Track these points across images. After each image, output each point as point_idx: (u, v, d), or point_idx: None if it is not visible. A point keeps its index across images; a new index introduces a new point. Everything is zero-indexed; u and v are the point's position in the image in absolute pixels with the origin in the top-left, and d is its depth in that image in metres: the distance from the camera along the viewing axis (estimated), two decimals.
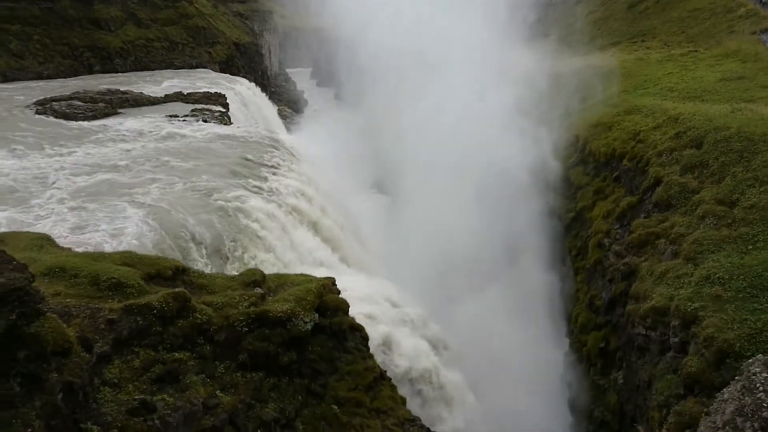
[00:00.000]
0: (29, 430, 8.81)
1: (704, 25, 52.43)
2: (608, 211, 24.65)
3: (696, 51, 43.09)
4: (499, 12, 44.99)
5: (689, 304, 15.02)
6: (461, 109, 39.79)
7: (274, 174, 28.56)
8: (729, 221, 17.70)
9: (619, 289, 19.90)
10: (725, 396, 7.34)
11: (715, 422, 7.11)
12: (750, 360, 7.42)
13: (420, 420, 17.13)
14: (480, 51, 42.74)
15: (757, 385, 6.85)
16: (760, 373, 7.00)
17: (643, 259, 19.29)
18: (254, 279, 15.48)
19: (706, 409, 7.71)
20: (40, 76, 51.12)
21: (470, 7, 48.23)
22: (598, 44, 57.85)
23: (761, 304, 14.09)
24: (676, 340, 15.01)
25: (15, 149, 28.67)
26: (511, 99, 38.75)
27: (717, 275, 15.46)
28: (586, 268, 24.56)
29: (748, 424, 6.65)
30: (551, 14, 59.69)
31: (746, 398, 6.85)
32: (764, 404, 6.60)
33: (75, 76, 53.48)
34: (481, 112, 38.70)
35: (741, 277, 15.06)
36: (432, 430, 17.24)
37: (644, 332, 16.41)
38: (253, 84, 64.30)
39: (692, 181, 20.53)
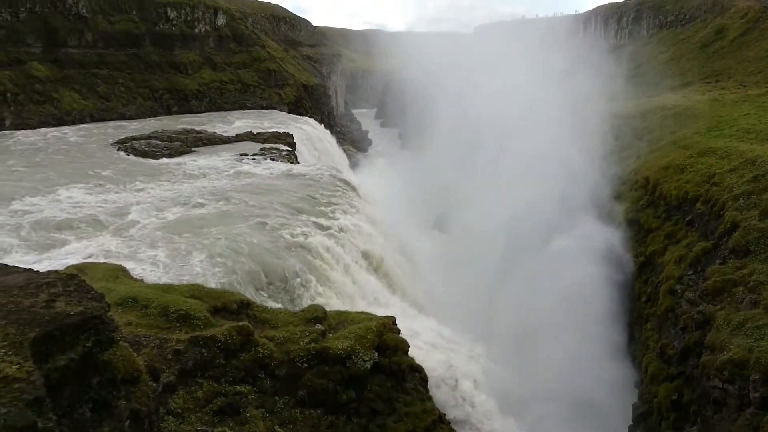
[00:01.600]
0: None
1: None
2: (680, 256, 23.60)
3: None
4: (565, 54, 44.83)
5: None
6: (526, 154, 39.43)
7: (338, 212, 29.04)
8: None
9: (693, 339, 18.88)
10: None
11: None
12: None
13: None
14: (546, 96, 42.53)
15: None
16: None
17: (719, 307, 18.28)
18: (316, 315, 15.65)
19: None
20: (123, 117, 54.48)
21: (534, 50, 48.33)
22: (668, 85, 56.47)
23: None
24: (757, 395, 14.05)
25: (100, 184, 30.46)
26: (577, 142, 38.17)
27: None
28: (657, 315, 23.48)
29: None
30: (619, 57, 58.97)
31: None
32: None
33: (154, 116, 56.73)
34: (546, 156, 38.21)
35: None
36: None
37: (721, 386, 15.44)
38: (319, 123, 66.21)
39: None
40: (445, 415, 18.25)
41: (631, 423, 22.71)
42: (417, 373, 17.17)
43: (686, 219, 25.25)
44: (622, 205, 31.97)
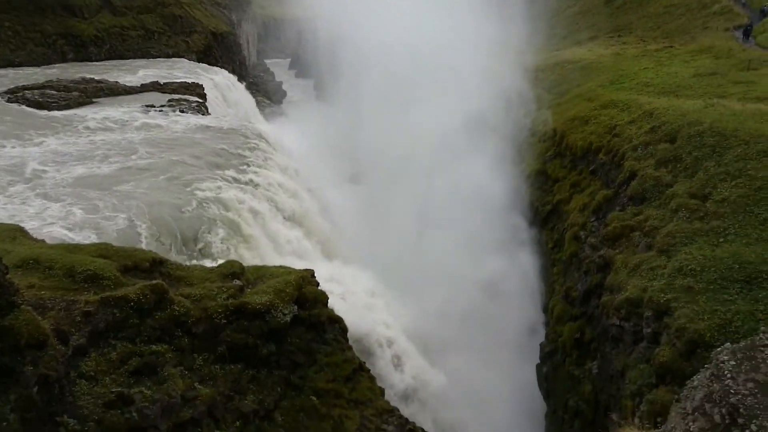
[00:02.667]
0: (4, 423, 8.73)
1: (679, 21, 53.19)
2: (584, 204, 24.99)
3: (671, 47, 43.72)
4: (480, 8, 45.12)
5: (662, 295, 15.35)
6: (438, 104, 39.97)
7: (252, 165, 28.38)
8: (701, 214, 18.08)
9: (594, 281, 20.24)
10: (695, 383, 7.57)
11: (684, 408, 7.33)
12: (718, 349, 7.65)
13: (398, 410, 17.27)
14: (459, 46, 42.88)
15: (725, 372, 7.07)
16: (728, 361, 7.22)
17: (617, 251, 19.63)
18: (233, 271, 15.42)
19: (676, 396, 7.94)
20: (11, 64, 49.97)
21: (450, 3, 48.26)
22: (576, 39, 58.35)
23: (731, 296, 14.46)
24: (649, 330, 15.34)
25: None
26: (488, 94, 38.97)
27: (689, 267, 15.81)
28: (563, 261, 24.91)
29: (716, 410, 6.87)
30: (530, 10, 60.13)
31: (715, 385, 7.06)
32: (731, 390, 6.82)
33: (48, 64, 52.37)
34: (458, 107, 38.90)
35: (712, 269, 15.43)
36: (410, 421, 17.40)
37: (618, 323, 16.74)
38: (230, 74, 63.64)
39: (666, 175, 20.90)
40: (365, 363, 18.74)
41: (539, 361, 24.25)
42: (336, 324, 17.41)
43: (590, 168, 26.62)
44: (531, 156, 33.28)
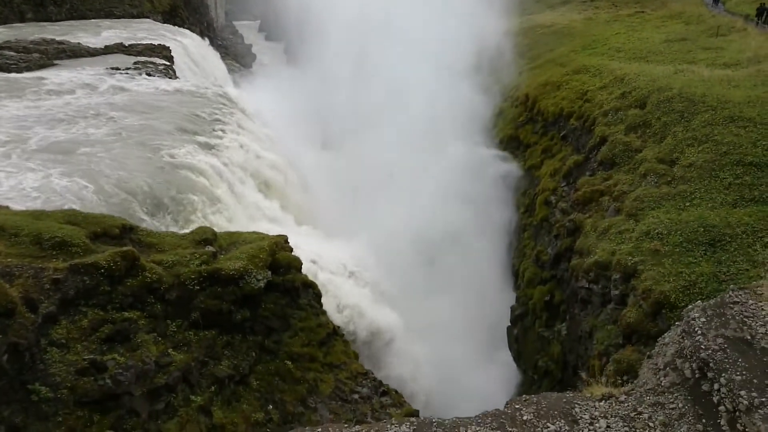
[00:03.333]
0: None
1: None
2: (555, 169, 25.25)
3: (643, 12, 43.87)
4: None
5: (629, 258, 15.71)
6: (409, 68, 39.69)
7: (222, 130, 27.88)
8: (669, 179, 18.44)
9: (565, 245, 20.59)
10: (666, 340, 7.83)
11: (656, 364, 7.60)
12: (690, 306, 7.90)
13: (372, 373, 17.54)
14: (430, 11, 42.42)
15: (696, 329, 7.33)
16: (698, 318, 7.47)
17: (587, 215, 19.96)
18: (205, 237, 15.29)
19: (648, 352, 8.20)
20: None
21: None
22: (549, 3, 58.07)
23: (695, 258, 14.87)
24: (617, 292, 15.73)
25: None
26: (461, 58, 38.75)
27: (656, 231, 16.17)
28: (533, 225, 25.26)
29: (686, 365, 7.15)
30: None
31: (686, 341, 7.32)
32: (702, 346, 7.08)
33: (4, 24, 50.18)
34: (430, 70, 38.65)
35: (678, 232, 15.81)
36: (383, 382, 17.71)
37: (587, 286, 17.12)
38: (198, 36, 61.96)
39: (636, 140, 21.19)
40: (339, 327, 18.91)
41: (509, 324, 24.76)
42: (310, 289, 17.48)
43: (561, 134, 26.83)
44: (503, 121, 33.37)
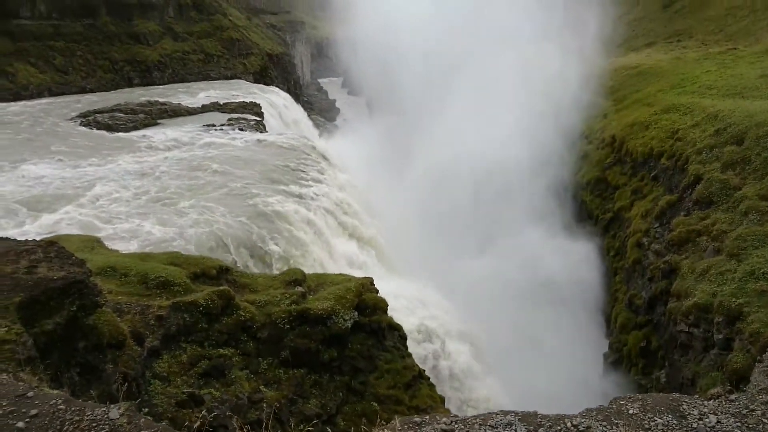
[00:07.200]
0: None
1: (743, 22, 51.30)
2: (647, 210, 24.33)
3: (735, 49, 42.21)
4: (532, 16, 44.88)
5: (733, 300, 14.78)
6: (491, 112, 39.90)
7: (310, 180, 29.01)
8: None
9: (660, 288, 19.63)
10: None
11: None
12: None
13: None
14: (512, 54, 42.74)
15: None
16: None
17: (683, 257, 19.01)
18: (295, 278, 15.80)
19: (759, 357, 7.93)
20: (83, 90, 52.91)
21: (500, 13, 48.23)
22: (632, 45, 57.11)
23: None
24: (720, 336, 14.77)
25: (61, 159, 29.76)
26: (543, 100, 38.60)
27: (761, 270, 15.17)
28: (625, 268, 24.27)
29: None
30: (582, 17, 59.41)
31: None
32: None
33: (116, 89, 55.20)
34: (509, 117, 38.68)
35: None
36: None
37: (687, 330, 16.18)
38: (286, 93, 65.33)
39: (734, 178, 20.16)
40: (424, 371, 18.74)
41: (602, 372, 23.60)
42: (396, 331, 17.52)
43: (652, 174, 25.94)
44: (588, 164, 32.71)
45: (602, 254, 28.49)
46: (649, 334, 20.12)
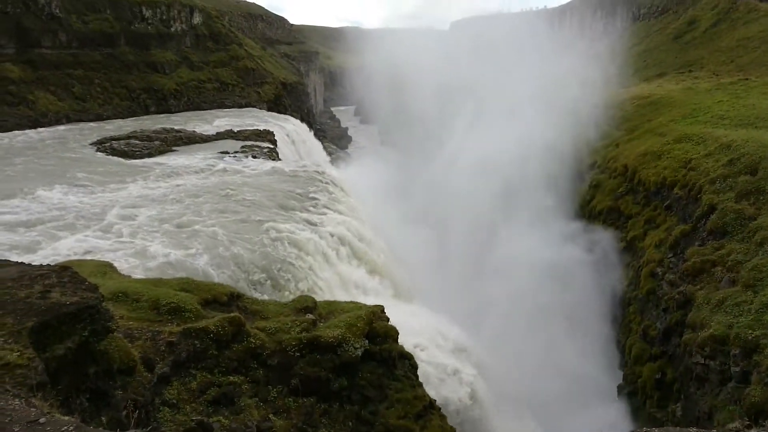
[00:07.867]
0: None
1: (755, 53, 51.49)
2: (660, 240, 24.15)
3: (747, 79, 42.29)
4: (539, 48, 45.39)
5: (750, 332, 14.54)
6: (499, 144, 40.10)
7: (320, 206, 29.13)
8: None
9: (675, 319, 19.37)
10: None
11: None
12: None
13: None
14: (523, 84, 43.10)
15: None
16: None
17: (698, 287, 18.78)
18: (306, 305, 15.75)
19: None
20: (100, 118, 53.79)
21: (510, 45, 48.84)
22: (644, 76, 57.37)
23: None
24: (738, 369, 14.50)
25: (78, 185, 30.14)
26: (555, 131, 38.73)
27: None
28: (639, 298, 23.99)
29: None
30: (593, 50, 59.90)
31: None
32: None
33: (132, 116, 56.08)
34: (521, 146, 38.81)
35: None
36: None
37: (703, 362, 15.89)
38: (299, 121, 66.06)
39: (748, 208, 20.01)
40: (435, 401, 18.48)
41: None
42: (407, 360, 17.33)
43: (665, 204, 25.80)
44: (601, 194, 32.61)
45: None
46: (664, 366, 19.79)
